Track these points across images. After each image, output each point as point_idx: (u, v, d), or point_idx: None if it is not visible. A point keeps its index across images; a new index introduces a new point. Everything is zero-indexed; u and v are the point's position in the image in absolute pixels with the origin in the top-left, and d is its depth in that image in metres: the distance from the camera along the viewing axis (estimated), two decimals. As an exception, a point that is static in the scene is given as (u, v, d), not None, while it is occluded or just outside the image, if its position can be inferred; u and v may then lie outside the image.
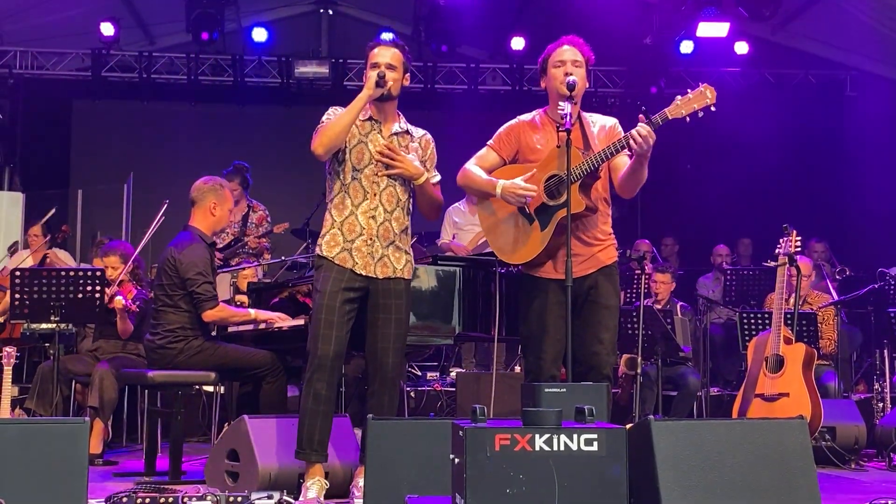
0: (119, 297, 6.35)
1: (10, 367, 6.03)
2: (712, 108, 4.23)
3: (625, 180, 4.46)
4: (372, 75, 4.41)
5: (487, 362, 8.76)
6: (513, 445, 2.73)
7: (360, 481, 4.24)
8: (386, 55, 4.51)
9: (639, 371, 6.93)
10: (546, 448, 2.73)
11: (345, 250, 4.44)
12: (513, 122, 4.67)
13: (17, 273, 6.07)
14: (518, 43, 11.52)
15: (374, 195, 4.49)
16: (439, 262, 5.57)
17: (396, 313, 4.50)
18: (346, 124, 4.44)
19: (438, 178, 4.68)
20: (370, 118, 4.55)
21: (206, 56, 11.55)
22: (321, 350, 4.34)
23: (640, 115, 4.26)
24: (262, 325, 5.51)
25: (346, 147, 4.51)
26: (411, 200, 4.62)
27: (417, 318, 5.33)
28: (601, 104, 11.20)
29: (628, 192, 4.52)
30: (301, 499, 4.25)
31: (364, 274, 4.44)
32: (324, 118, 4.54)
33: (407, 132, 4.61)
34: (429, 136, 4.71)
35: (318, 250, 4.54)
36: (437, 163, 4.74)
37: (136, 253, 6.81)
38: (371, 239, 4.46)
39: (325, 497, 4.35)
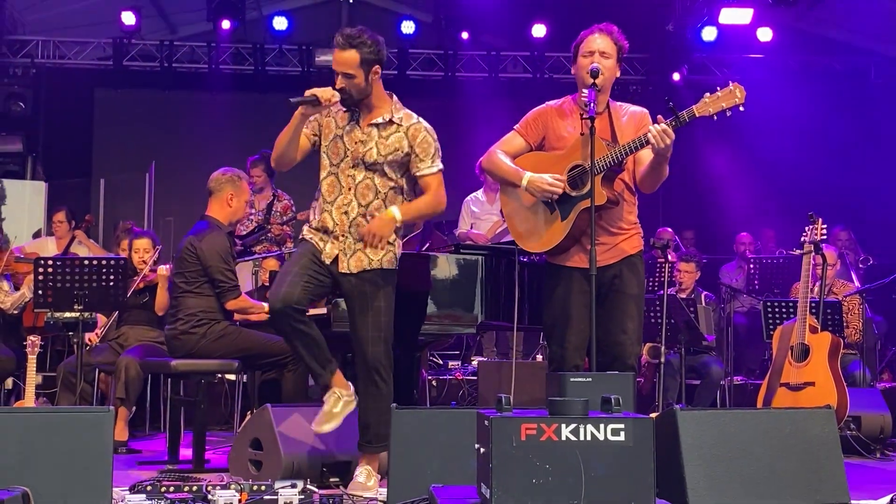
0: (163, 266, 6.39)
1: (35, 356, 6.06)
2: (741, 109, 4.18)
3: (645, 176, 4.42)
4: (315, 93, 4.27)
5: (507, 351, 8.75)
6: (539, 435, 2.71)
7: (361, 469, 4.32)
8: (339, 62, 4.34)
9: (662, 360, 6.90)
10: (572, 438, 2.71)
11: (321, 241, 4.43)
12: (541, 107, 4.62)
13: (41, 262, 6.10)
14: (539, 30, 11.46)
15: (349, 189, 4.41)
16: (462, 250, 5.56)
17: (374, 302, 4.39)
18: (285, 142, 4.41)
19: (437, 168, 4.45)
20: (350, 111, 4.46)
21: (226, 45, 11.56)
22: (270, 297, 4.41)
23: (659, 117, 4.21)
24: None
25: (322, 143, 4.46)
26: (404, 190, 4.47)
27: (438, 308, 5.32)
28: (623, 91, 11.11)
29: (648, 187, 4.48)
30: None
31: (330, 265, 4.39)
32: None
33: (391, 122, 4.42)
34: (421, 124, 4.46)
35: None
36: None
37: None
38: (343, 235, 4.40)
39: (348, 486, 4.35)
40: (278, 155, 4.48)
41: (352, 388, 4.44)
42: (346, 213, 4.41)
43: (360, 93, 4.35)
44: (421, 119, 4.49)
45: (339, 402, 4.37)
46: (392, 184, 4.43)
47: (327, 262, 4.39)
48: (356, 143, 4.41)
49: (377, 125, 4.42)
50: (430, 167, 4.44)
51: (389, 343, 4.44)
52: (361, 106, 4.43)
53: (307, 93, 4.27)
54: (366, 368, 4.40)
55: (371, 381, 4.37)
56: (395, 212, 4.33)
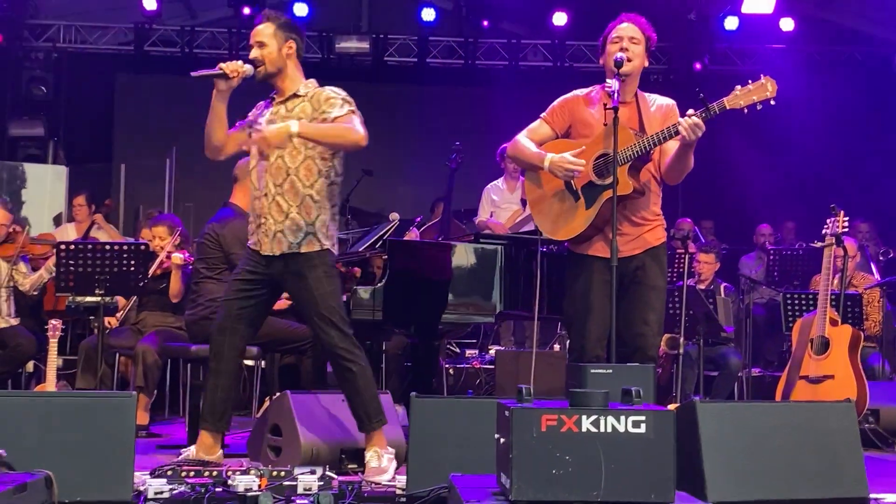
0: (178, 254, 6.41)
1: (56, 340, 6.10)
2: (772, 102, 4.15)
3: (670, 166, 4.41)
4: (221, 66, 4.32)
5: (524, 340, 8.75)
6: (559, 426, 2.71)
7: (369, 453, 4.32)
8: (254, 33, 4.42)
9: (680, 351, 6.87)
10: (593, 429, 2.71)
11: (254, 234, 4.46)
12: (568, 95, 4.60)
13: (63, 247, 6.13)
14: (560, 18, 11.39)
15: (266, 171, 4.42)
16: (481, 239, 5.56)
17: (299, 292, 4.40)
18: (209, 125, 4.44)
19: (347, 109, 4.31)
20: (271, 99, 4.49)
21: (247, 31, 11.49)
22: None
23: (690, 111, 4.19)
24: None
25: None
26: (321, 164, 4.39)
27: (457, 296, 5.34)
28: (644, 80, 11.03)
29: (673, 178, 4.46)
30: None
31: (265, 254, 4.41)
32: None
33: (296, 95, 4.42)
34: (326, 88, 4.42)
35: None
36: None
37: (181, 226, 6.90)
38: (265, 218, 4.40)
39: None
40: (207, 137, 4.48)
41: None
42: (265, 195, 4.42)
43: (272, 63, 4.39)
44: (327, 86, 4.44)
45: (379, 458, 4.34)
46: (301, 157, 4.36)
47: (266, 253, 4.41)
48: (268, 124, 4.39)
49: (284, 102, 4.44)
50: (340, 110, 4.32)
51: (342, 324, 4.34)
52: (277, 87, 4.46)
53: (219, 71, 4.31)
54: (327, 356, 4.42)
55: (337, 366, 4.37)
56: (293, 123, 4.21)
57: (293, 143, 4.31)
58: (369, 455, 4.34)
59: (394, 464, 4.28)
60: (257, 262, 4.43)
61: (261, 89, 4.56)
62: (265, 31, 4.41)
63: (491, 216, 8.14)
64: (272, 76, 4.42)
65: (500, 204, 8.19)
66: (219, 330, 4.50)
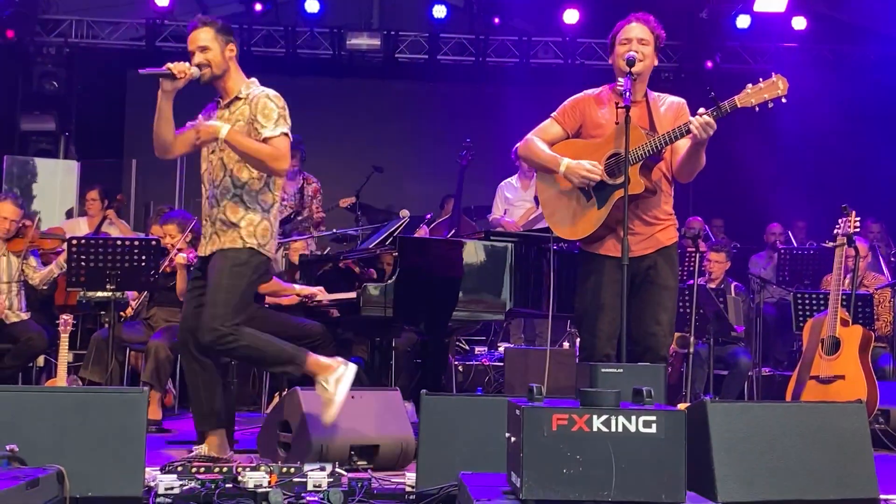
0: (182, 255, 6.42)
1: (67, 335, 6.11)
2: (783, 101, 4.14)
3: (682, 165, 4.40)
4: (169, 66, 4.33)
5: (534, 338, 8.75)
6: (570, 426, 2.71)
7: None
8: (194, 40, 4.44)
9: (690, 350, 6.86)
10: (604, 429, 2.71)
11: (203, 238, 4.51)
12: (579, 95, 4.60)
13: (74, 242, 6.15)
14: (571, 16, 11.37)
15: (209, 173, 4.48)
16: (491, 237, 5.56)
17: (210, 281, 4.38)
18: (156, 125, 4.44)
19: (280, 131, 4.34)
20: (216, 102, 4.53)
21: (258, 27, 11.57)
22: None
23: (701, 109, 4.18)
24: (305, 300, 5.57)
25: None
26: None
27: (467, 294, 5.34)
28: (655, 78, 11.02)
29: (685, 176, 4.46)
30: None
31: (201, 255, 4.48)
32: None
33: (237, 98, 4.45)
34: (265, 92, 4.43)
35: None
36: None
37: (194, 222, 6.89)
38: (206, 220, 4.46)
39: (376, 469, 4.38)
40: (154, 141, 4.50)
41: (331, 364, 4.40)
42: (207, 198, 4.49)
43: (217, 66, 4.42)
44: (268, 90, 4.47)
45: (326, 385, 4.34)
46: (237, 158, 4.39)
47: (204, 254, 4.47)
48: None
49: (228, 106, 4.47)
50: (273, 130, 4.36)
51: (217, 321, 4.27)
52: (221, 90, 4.49)
53: (167, 70, 4.32)
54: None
55: (187, 353, 4.41)
56: (224, 127, 4.28)
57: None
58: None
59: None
60: (202, 265, 4.51)
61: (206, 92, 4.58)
62: (205, 36, 4.44)
63: (504, 213, 8.13)
64: (217, 78, 4.45)
65: (513, 202, 8.18)
66: (181, 342, 4.55)
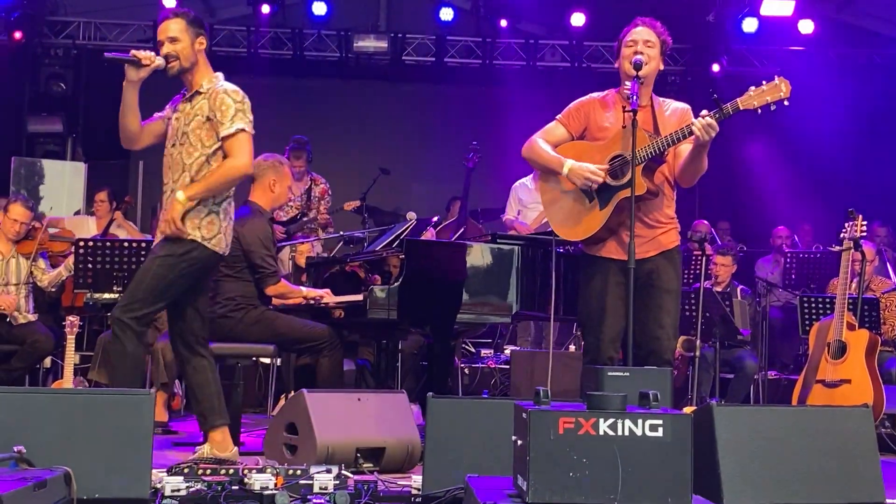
0: None
1: (74, 336, 6.12)
2: (785, 103, 4.14)
3: (684, 168, 4.41)
4: (135, 53, 4.34)
5: (540, 340, 8.74)
6: (577, 429, 2.71)
7: None
8: (165, 30, 4.40)
9: (696, 353, 6.86)
10: (610, 433, 2.71)
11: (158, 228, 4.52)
12: (584, 98, 4.62)
13: (81, 243, 6.16)
14: (578, 19, 11.37)
15: (168, 168, 4.46)
16: (498, 240, 5.56)
17: (146, 265, 4.43)
18: (121, 115, 4.45)
19: (236, 128, 4.33)
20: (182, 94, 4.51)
21: (265, 29, 11.59)
22: None
23: (704, 112, 4.18)
24: (312, 302, 5.58)
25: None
26: (213, 162, 4.38)
27: (472, 296, 5.33)
28: (662, 82, 10.99)
29: (687, 180, 4.46)
30: None
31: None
32: None
33: (198, 92, 4.42)
34: (223, 87, 4.40)
35: None
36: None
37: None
38: (163, 211, 4.46)
39: (382, 472, 4.39)
40: (120, 132, 4.49)
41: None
42: (166, 192, 4.47)
43: (186, 59, 4.40)
44: (227, 84, 4.43)
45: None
46: (197, 154, 4.37)
47: None
48: (175, 120, 4.46)
49: (190, 100, 4.45)
50: (229, 128, 4.34)
51: (135, 303, 4.28)
52: (187, 83, 4.47)
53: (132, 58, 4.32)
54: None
55: (113, 332, 4.36)
56: (179, 195, 4.29)
57: (189, 140, 4.37)
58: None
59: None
60: None
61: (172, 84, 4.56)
62: (176, 27, 4.41)
63: (518, 214, 8.10)
64: (185, 71, 4.43)
65: (527, 203, 8.11)
66: (172, 344, 4.60)
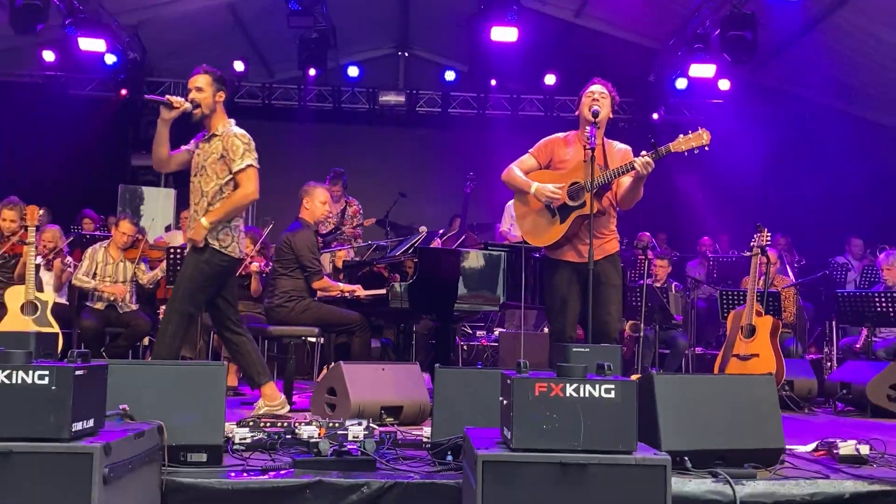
0: (255, 263, 6.45)
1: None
2: (706, 148, 4.14)
3: (624, 195, 4.44)
4: (168, 98, 4.31)
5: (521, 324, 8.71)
6: (549, 392, 2.69)
7: None
8: (194, 81, 4.37)
9: (640, 334, 6.86)
10: (574, 395, 2.69)
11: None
12: (550, 137, 4.65)
13: (172, 251, 6.17)
14: (550, 79, 11.42)
15: (192, 193, 4.41)
16: (489, 247, 5.55)
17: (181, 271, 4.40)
18: (154, 145, 4.39)
19: (245, 164, 4.28)
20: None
21: (312, 87, 11.61)
22: None
23: (643, 152, 4.19)
24: (347, 295, 5.57)
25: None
26: (226, 190, 4.33)
27: (469, 290, 5.33)
28: (613, 127, 10.97)
29: (626, 204, 4.48)
30: None
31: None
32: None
33: (215, 135, 4.37)
34: (233, 131, 4.33)
35: None
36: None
37: (263, 236, 6.95)
38: (188, 225, 4.44)
39: (401, 425, 4.37)
40: (153, 157, 4.44)
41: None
42: (190, 210, 4.45)
43: (207, 106, 4.34)
44: (237, 129, 4.38)
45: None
46: (213, 183, 4.32)
47: None
48: (196, 156, 4.41)
49: (209, 140, 4.39)
50: (240, 164, 4.29)
51: (177, 302, 4.23)
52: (206, 126, 4.41)
53: (165, 101, 4.30)
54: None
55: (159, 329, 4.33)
56: (203, 220, 4.26)
57: (207, 173, 4.32)
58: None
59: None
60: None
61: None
62: (203, 80, 4.37)
63: (511, 227, 8.09)
64: (205, 117, 4.38)
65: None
66: (216, 327, 4.55)
